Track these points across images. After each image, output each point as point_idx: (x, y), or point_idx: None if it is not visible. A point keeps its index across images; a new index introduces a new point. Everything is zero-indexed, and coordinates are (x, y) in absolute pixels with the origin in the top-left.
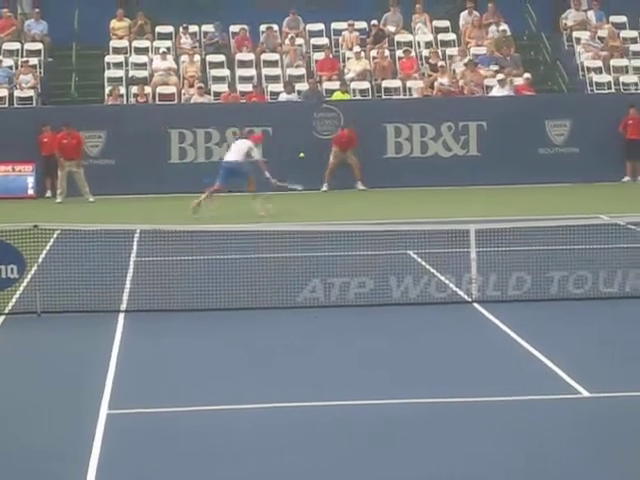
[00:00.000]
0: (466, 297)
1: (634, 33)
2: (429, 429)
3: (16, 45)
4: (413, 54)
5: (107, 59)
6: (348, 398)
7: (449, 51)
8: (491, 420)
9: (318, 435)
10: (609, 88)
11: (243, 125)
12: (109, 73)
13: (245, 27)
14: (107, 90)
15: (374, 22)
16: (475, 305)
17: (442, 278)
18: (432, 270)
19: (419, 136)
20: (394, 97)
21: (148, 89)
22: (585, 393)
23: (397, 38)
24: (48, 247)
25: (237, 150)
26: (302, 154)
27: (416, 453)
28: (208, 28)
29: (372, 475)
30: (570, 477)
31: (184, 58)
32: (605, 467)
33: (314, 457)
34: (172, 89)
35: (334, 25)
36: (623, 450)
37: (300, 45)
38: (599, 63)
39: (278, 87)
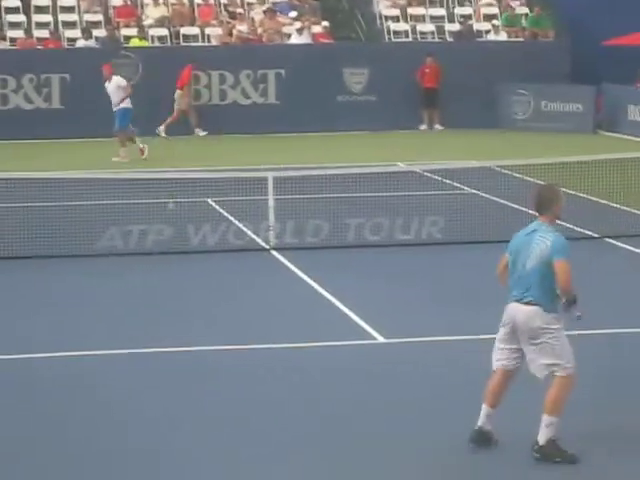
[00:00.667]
0: (264, 244)
1: None
2: (228, 375)
3: None
4: (212, 1)
5: None
6: (136, 346)
7: None
8: (287, 366)
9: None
10: (407, 37)
11: (39, 72)
12: None
13: None
14: None
15: None
16: (273, 252)
17: (240, 225)
18: (230, 218)
19: (218, 84)
20: (192, 44)
21: None
22: (380, 339)
23: None
24: None
25: (116, 91)
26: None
27: (214, 397)
28: None
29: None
30: (365, 420)
31: None
32: (397, 410)
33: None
34: None
35: None
36: (416, 394)
37: None
38: (397, 12)
39: (75, 33)
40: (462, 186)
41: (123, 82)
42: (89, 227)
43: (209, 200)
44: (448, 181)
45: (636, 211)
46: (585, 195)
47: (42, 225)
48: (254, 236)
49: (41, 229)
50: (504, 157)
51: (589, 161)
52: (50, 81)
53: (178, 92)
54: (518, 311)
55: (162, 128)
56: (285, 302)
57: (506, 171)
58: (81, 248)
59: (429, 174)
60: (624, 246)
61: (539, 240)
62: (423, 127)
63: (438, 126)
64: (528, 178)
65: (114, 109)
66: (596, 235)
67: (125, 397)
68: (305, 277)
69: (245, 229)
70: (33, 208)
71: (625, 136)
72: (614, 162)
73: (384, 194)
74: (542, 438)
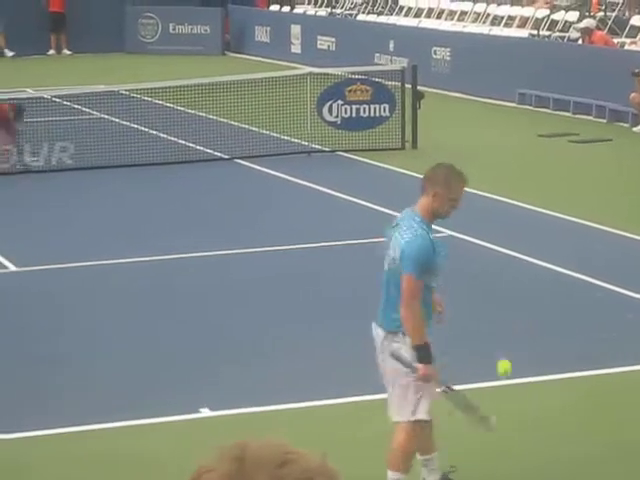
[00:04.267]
0: None
1: None
2: None
3: None
4: None
5: None
6: None
7: None
8: None
9: None
10: None
11: None
12: None
13: None
14: None
15: None
16: None
17: None
18: None
19: None
20: None
21: None
22: (12, 267)
23: None
24: None
25: None
26: None
27: None
28: None
29: None
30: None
31: None
32: (34, 339)
33: None
34: None
35: None
36: (54, 322)
37: None
38: None
39: None
40: (91, 111)
41: None
42: None
43: None
44: (77, 106)
45: (264, 131)
46: (215, 117)
47: None
48: None
49: None
50: (132, 81)
51: (217, 82)
52: None
53: None
54: (378, 340)
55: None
56: None
57: (135, 95)
58: None
59: (58, 99)
60: (253, 166)
61: (395, 240)
62: (51, 52)
63: (66, 51)
64: (157, 101)
65: None
66: (226, 156)
67: None
68: None
69: None
70: None
71: (252, 57)
72: (242, 83)
73: None
74: None
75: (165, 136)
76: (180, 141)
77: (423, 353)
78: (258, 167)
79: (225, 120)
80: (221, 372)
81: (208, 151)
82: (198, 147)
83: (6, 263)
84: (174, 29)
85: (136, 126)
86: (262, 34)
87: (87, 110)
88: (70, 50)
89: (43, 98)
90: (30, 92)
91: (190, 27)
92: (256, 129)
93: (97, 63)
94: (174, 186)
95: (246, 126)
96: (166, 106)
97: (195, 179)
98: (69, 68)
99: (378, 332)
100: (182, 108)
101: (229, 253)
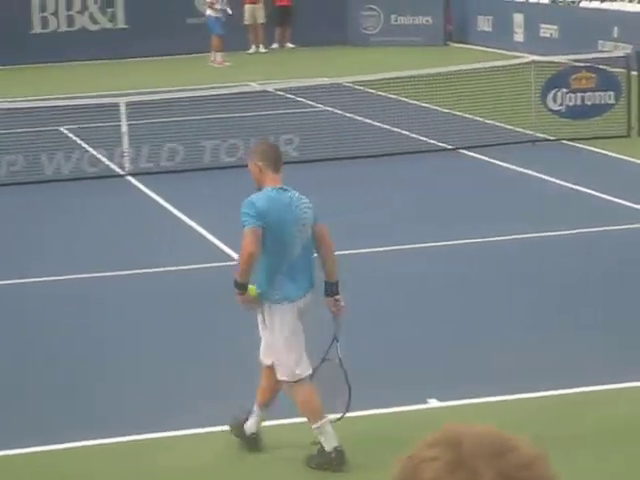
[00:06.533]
0: (119, 170)
1: None
2: (87, 302)
3: None
4: None
5: None
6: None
7: None
8: (153, 290)
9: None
10: None
11: None
12: None
13: None
14: None
15: None
16: (128, 178)
17: (94, 153)
18: (84, 145)
19: (65, 9)
20: None
21: None
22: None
23: None
24: None
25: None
26: None
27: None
28: None
29: None
30: (230, 340)
31: None
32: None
33: None
34: None
35: None
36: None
37: None
38: None
39: None
40: (315, 104)
41: None
42: None
43: (61, 128)
44: (301, 99)
45: (488, 121)
46: (437, 107)
47: None
48: (109, 163)
49: None
50: (356, 73)
51: (440, 73)
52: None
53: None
54: (308, 303)
55: None
56: (143, 227)
57: (358, 87)
58: None
59: (282, 93)
60: (477, 156)
61: (304, 205)
62: (275, 46)
63: (289, 44)
64: (381, 93)
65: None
66: (450, 147)
67: None
68: (162, 201)
69: (99, 156)
70: None
71: (475, 47)
72: (465, 73)
73: (238, 115)
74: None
75: (388, 127)
76: (403, 132)
77: None
78: (482, 157)
79: (448, 110)
80: None
81: (431, 142)
82: (421, 138)
83: (233, 255)
84: (396, 20)
85: (360, 118)
86: (484, 23)
87: (311, 103)
88: (293, 43)
89: (267, 91)
90: (254, 86)
91: (412, 18)
92: (480, 119)
93: (320, 56)
94: (398, 177)
95: (470, 116)
96: (389, 97)
97: (418, 170)
98: (292, 61)
99: (308, 298)
100: (405, 99)
101: (447, 244)
